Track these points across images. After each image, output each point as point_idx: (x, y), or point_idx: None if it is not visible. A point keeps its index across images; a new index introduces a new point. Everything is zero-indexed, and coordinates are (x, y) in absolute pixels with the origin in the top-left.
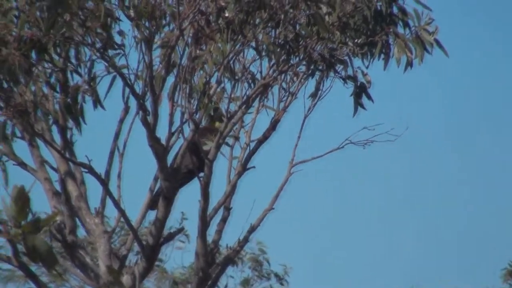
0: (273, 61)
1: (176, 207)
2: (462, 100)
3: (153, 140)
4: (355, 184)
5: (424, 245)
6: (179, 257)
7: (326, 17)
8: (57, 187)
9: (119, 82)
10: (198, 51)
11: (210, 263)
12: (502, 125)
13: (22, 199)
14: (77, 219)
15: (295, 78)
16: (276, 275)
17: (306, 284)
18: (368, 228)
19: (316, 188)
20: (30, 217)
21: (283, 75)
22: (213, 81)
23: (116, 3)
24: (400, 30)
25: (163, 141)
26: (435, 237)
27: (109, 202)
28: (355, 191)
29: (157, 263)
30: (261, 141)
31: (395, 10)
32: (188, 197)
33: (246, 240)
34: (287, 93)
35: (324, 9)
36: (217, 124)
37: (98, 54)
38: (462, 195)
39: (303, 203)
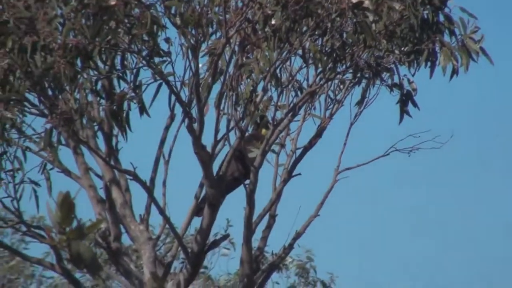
0: (320, 69)
1: (221, 214)
2: (507, 107)
3: (199, 148)
4: (400, 191)
5: (471, 253)
6: (224, 264)
7: (373, 25)
8: (102, 194)
9: (165, 90)
10: (244, 59)
11: (255, 270)
12: None
13: (67, 205)
14: (121, 226)
15: (341, 86)
16: (323, 283)
17: None
18: (414, 235)
19: (362, 195)
20: (74, 223)
21: (329, 83)
22: (259, 89)
23: (162, 10)
24: (446, 38)
25: (209, 149)
26: (483, 246)
27: (154, 209)
28: (400, 198)
29: (202, 270)
30: (306, 149)
31: (441, 18)
32: (233, 204)
33: (291, 246)
34: (333, 101)
35: (371, 17)
36: (263, 131)
37: (144, 61)
38: (509, 203)
39: (349, 210)
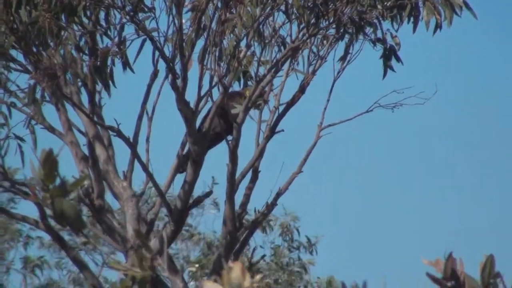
0: (303, 24)
1: (206, 172)
2: (491, 61)
3: (182, 104)
4: (384, 148)
5: (457, 212)
6: (210, 222)
7: None
8: (85, 151)
9: (148, 46)
10: (228, 15)
11: (238, 227)
12: None
13: (50, 162)
14: (105, 184)
15: (324, 42)
16: (308, 240)
17: (335, 252)
18: (398, 193)
19: (345, 152)
20: (58, 181)
21: (312, 39)
22: (242, 44)
23: None
24: None
25: (192, 105)
26: (468, 204)
27: (137, 166)
28: (384, 155)
29: (186, 228)
30: (289, 105)
31: None
32: (217, 162)
33: (274, 204)
34: (317, 57)
35: None
36: (246, 92)
37: (128, 17)
38: (495, 157)
39: (332, 167)
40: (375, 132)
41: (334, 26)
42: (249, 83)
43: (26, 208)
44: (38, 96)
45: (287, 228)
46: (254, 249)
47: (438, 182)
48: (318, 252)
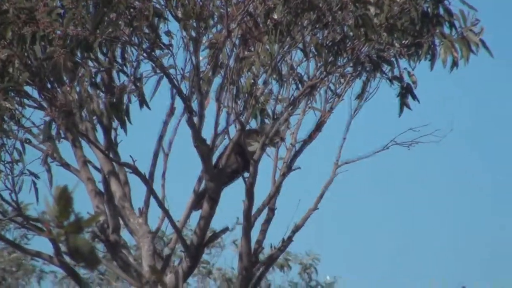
0: (320, 62)
1: (224, 209)
2: (507, 97)
3: (199, 141)
4: (400, 185)
5: (470, 245)
6: (229, 260)
7: (374, 18)
8: (101, 187)
9: (165, 83)
10: (245, 52)
11: (254, 262)
12: None
13: (64, 199)
14: (120, 220)
15: (341, 80)
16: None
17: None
18: (414, 229)
19: (361, 189)
20: (72, 217)
21: (330, 76)
22: (260, 82)
23: (164, 3)
24: (446, 31)
25: (209, 142)
26: (482, 238)
27: (153, 203)
28: (400, 192)
29: (203, 265)
30: (306, 142)
31: (441, 11)
32: (233, 198)
33: (290, 239)
34: (334, 95)
35: (372, 10)
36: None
37: (145, 54)
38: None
39: (348, 204)
40: (391, 169)
41: (351, 64)
42: (266, 120)
43: (40, 243)
44: (53, 132)
45: (306, 267)
46: (269, 286)
47: (455, 219)
48: None
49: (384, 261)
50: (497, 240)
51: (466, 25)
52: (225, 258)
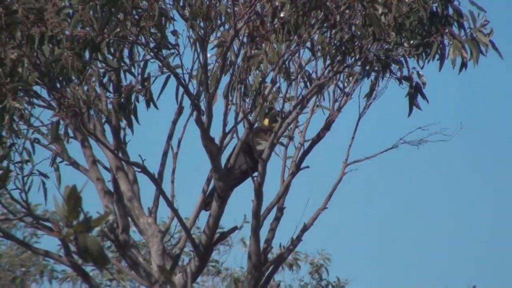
0: (328, 61)
1: (232, 208)
2: None
3: (207, 140)
4: (409, 184)
5: (482, 245)
6: (239, 258)
7: (382, 17)
8: (110, 187)
9: (173, 82)
10: (253, 51)
11: (263, 262)
12: None
13: (73, 198)
14: (129, 219)
15: (350, 79)
16: (336, 283)
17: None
18: (423, 228)
19: (370, 187)
20: (81, 217)
21: (338, 76)
22: (268, 81)
23: (171, 2)
24: (455, 31)
25: (217, 141)
26: (494, 237)
27: (162, 202)
28: (409, 191)
29: (213, 264)
30: (315, 141)
31: (450, 11)
32: (242, 198)
33: (299, 239)
34: (342, 93)
35: (380, 9)
36: (265, 121)
37: (152, 54)
38: None
39: (356, 202)
40: (400, 167)
41: (360, 63)
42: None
43: (49, 242)
44: (61, 132)
45: (317, 267)
46: (278, 285)
47: (466, 216)
48: None
49: (394, 261)
50: (508, 240)
51: (476, 26)
52: (234, 257)
